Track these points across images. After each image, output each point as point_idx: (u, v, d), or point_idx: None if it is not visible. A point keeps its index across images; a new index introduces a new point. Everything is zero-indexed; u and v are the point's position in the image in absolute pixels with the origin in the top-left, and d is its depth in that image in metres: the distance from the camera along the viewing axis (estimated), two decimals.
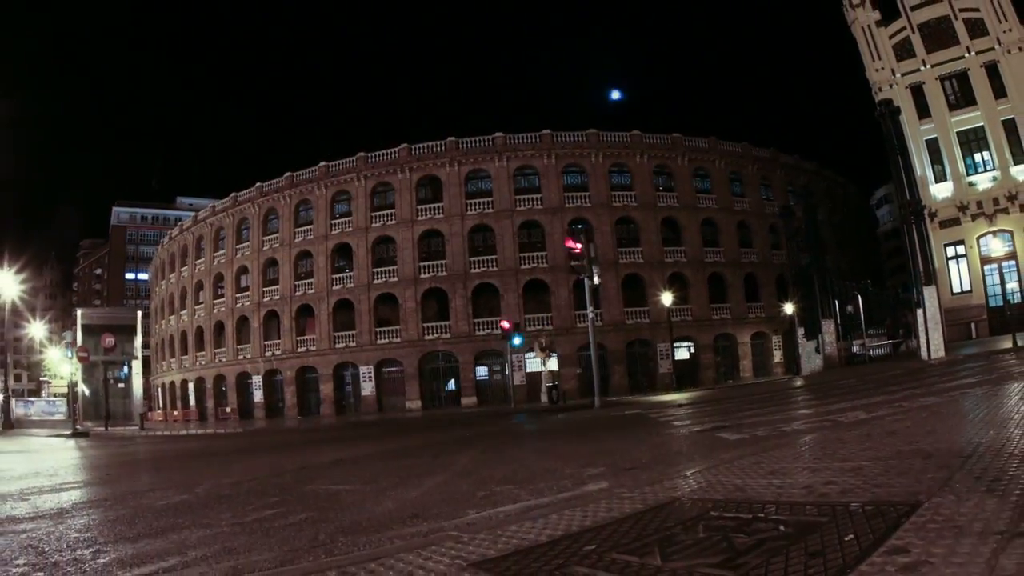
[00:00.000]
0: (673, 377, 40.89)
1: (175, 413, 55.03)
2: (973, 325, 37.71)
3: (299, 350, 46.54)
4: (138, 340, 62.16)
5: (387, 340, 44.13)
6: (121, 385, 58.05)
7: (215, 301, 52.34)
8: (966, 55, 39.05)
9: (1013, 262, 37.59)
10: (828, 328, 38.25)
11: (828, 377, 29.04)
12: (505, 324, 36.16)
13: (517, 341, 35.81)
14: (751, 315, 47.02)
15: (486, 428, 19.25)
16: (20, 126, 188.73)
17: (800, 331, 40.37)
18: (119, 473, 12.19)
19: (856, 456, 5.02)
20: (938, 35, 40.00)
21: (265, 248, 49.05)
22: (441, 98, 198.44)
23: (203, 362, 53.25)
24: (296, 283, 47.16)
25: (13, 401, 53.04)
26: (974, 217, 38.71)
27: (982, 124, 38.79)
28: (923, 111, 40.25)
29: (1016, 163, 37.89)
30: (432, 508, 5.51)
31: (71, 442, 25.36)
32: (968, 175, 39.23)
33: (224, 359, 50.96)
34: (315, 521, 5.31)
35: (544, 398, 35.34)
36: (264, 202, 49.56)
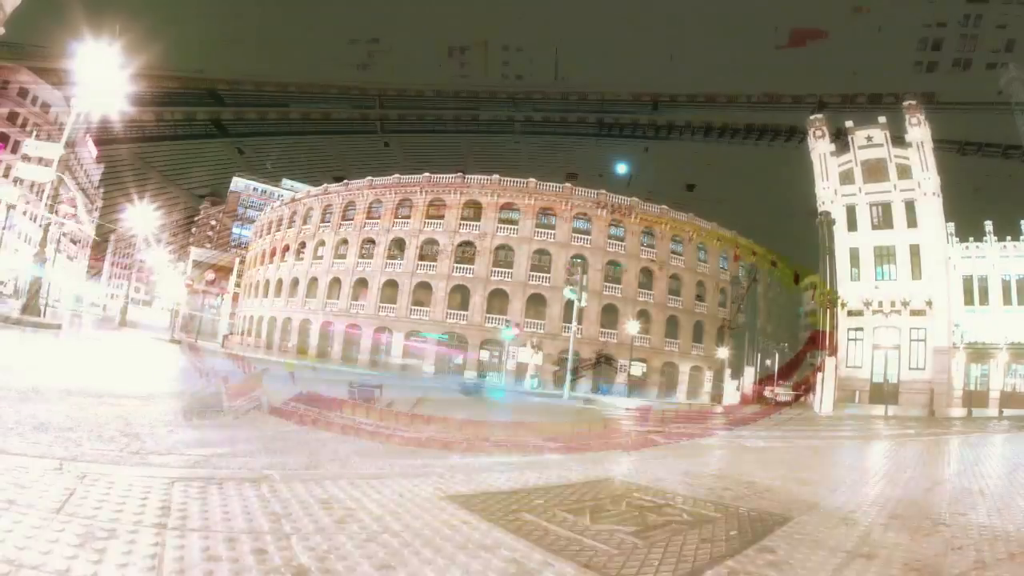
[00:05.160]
0: (626, 387, 40.64)
1: (249, 339, 55.23)
2: (858, 393, 37.33)
3: (351, 311, 46.59)
4: (232, 279, 62.77)
5: (418, 317, 44.10)
6: (213, 310, 58.49)
7: (295, 262, 52.49)
8: (892, 191, 38.95)
9: (896, 351, 37.35)
10: (749, 373, 38.07)
11: (742, 411, 28.77)
12: (515, 328, 36.10)
13: (513, 334, 35.88)
14: (693, 352, 46.65)
15: (480, 397, 19.21)
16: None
17: (728, 371, 40.16)
18: (197, 374, 12.23)
19: (751, 473, 5.00)
20: (875, 171, 39.87)
21: (341, 230, 49.20)
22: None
23: (278, 306, 53.38)
24: (359, 260, 47.26)
25: (130, 306, 53.44)
26: (874, 312, 38.46)
27: (894, 244, 38.67)
28: (852, 226, 40.02)
29: (914, 279, 37.75)
30: (427, 448, 5.53)
31: (167, 345, 25.51)
32: (876, 280, 39.02)
33: (294, 307, 51.06)
34: (338, 441, 5.33)
35: (527, 384, 35.27)
36: (347, 195, 49.79)
